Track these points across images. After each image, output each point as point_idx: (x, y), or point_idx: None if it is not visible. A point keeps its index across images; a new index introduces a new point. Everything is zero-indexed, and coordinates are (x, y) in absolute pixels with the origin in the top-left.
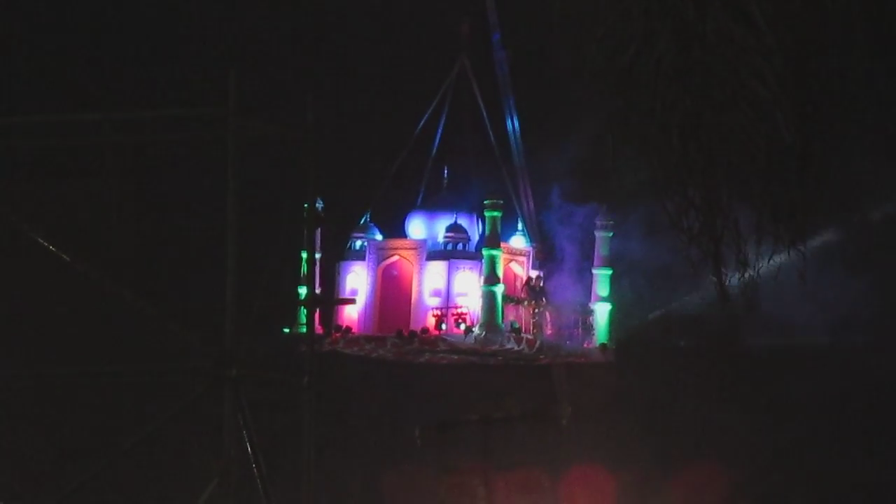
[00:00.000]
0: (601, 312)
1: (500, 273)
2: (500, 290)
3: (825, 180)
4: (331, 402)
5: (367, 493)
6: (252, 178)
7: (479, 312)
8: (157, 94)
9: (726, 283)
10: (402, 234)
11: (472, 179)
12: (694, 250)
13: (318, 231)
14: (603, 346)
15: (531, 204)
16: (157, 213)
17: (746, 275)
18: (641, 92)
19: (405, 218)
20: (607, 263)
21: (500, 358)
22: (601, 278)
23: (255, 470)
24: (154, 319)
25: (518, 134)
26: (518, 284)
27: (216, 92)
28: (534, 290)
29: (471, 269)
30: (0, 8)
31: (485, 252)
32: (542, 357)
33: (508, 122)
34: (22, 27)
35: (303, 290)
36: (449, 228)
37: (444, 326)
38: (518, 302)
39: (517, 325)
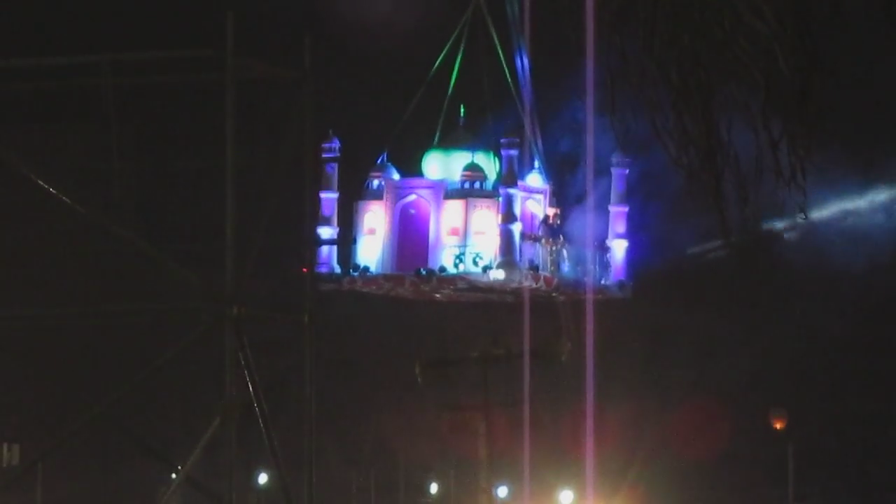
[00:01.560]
0: (618, 249)
1: (518, 212)
2: (517, 228)
3: (824, 114)
4: (334, 341)
5: (368, 430)
6: (253, 120)
7: (497, 251)
8: (155, 36)
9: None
10: (419, 173)
11: (488, 118)
12: (695, 186)
13: (336, 171)
14: (620, 282)
15: (540, 143)
16: (157, 155)
17: (747, 209)
18: (639, 29)
19: (421, 157)
20: (623, 200)
21: (516, 296)
22: (617, 215)
23: (256, 409)
24: (155, 260)
25: (528, 75)
26: (535, 222)
27: (216, 33)
28: (551, 228)
29: (488, 207)
30: None
31: (501, 191)
32: (556, 294)
33: (518, 63)
34: None
35: (326, 230)
36: (466, 167)
37: (461, 265)
38: (536, 240)
39: (536, 263)
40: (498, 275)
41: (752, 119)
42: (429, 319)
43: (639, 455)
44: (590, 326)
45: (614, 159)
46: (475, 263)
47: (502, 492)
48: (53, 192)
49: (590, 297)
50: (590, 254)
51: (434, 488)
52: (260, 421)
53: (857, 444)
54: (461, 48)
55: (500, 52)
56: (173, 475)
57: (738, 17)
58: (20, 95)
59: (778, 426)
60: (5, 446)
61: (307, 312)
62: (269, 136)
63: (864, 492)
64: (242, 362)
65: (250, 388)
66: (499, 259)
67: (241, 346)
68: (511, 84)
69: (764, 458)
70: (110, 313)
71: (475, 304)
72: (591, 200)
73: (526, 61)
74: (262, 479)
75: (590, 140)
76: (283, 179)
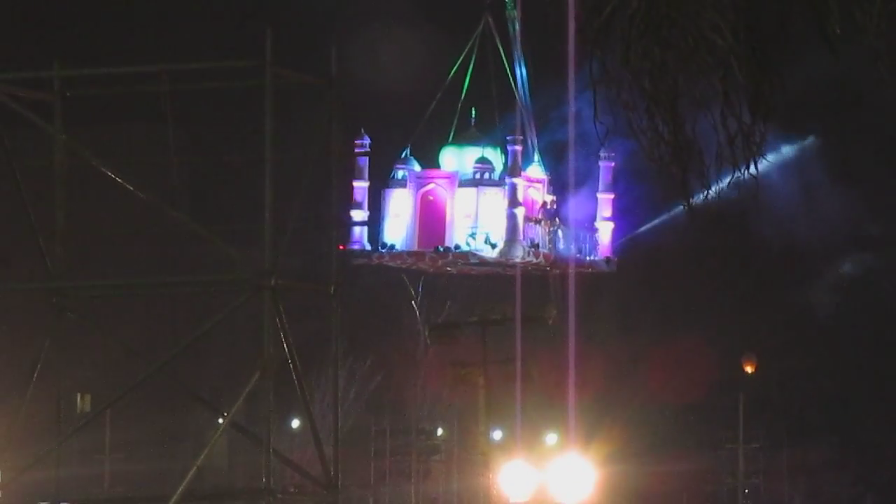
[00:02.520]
0: (605, 230)
1: (521, 198)
2: (520, 212)
3: (773, 114)
4: (358, 308)
5: (386, 383)
6: (288, 120)
7: (504, 231)
8: (205, 47)
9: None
10: (436, 165)
11: (495, 119)
12: (664, 177)
13: (367, 163)
14: (607, 258)
15: (535, 139)
16: (208, 150)
17: (709, 195)
18: (617, 44)
19: (439, 151)
20: (609, 189)
21: (517, 269)
22: (604, 201)
23: (290, 365)
24: (205, 239)
25: (525, 82)
26: (536, 207)
27: (253, 46)
28: (549, 212)
29: (495, 194)
30: None
31: (507, 180)
32: (550, 269)
33: (518, 73)
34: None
35: (358, 214)
36: (477, 161)
37: (473, 241)
38: (536, 222)
39: (536, 242)
40: (504, 251)
41: (712, 119)
42: (439, 288)
43: (615, 402)
44: (572, 295)
45: (602, 153)
46: (486, 242)
47: (497, 435)
48: (120, 181)
49: (572, 270)
50: (573, 233)
51: (440, 432)
52: (294, 375)
53: (795, 394)
54: (472, 58)
55: (505, 61)
56: (220, 420)
57: (700, 33)
58: (93, 99)
59: (749, 370)
60: (79, 396)
61: (333, 283)
62: (302, 133)
63: (801, 433)
64: (279, 325)
65: (285, 348)
66: (505, 238)
67: (278, 312)
68: (514, 89)
69: (719, 406)
70: (168, 283)
71: (479, 276)
72: (573, 189)
73: (524, 70)
74: (295, 423)
75: (571, 138)
76: (313, 171)
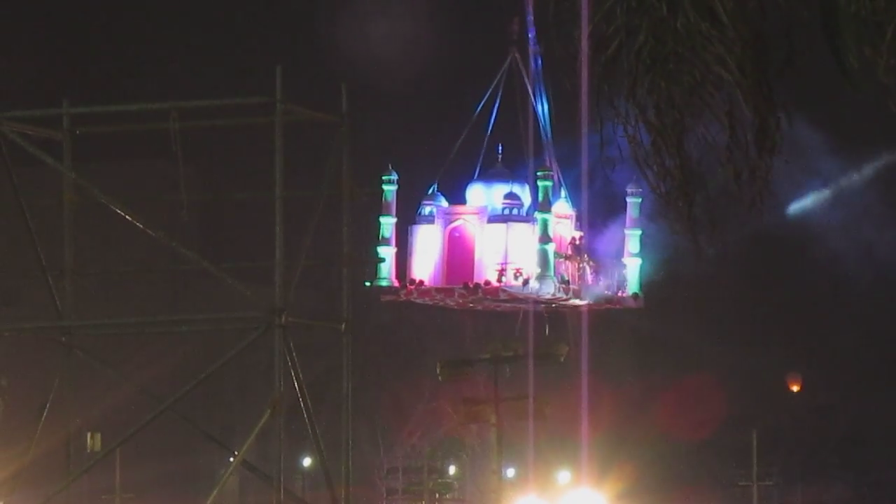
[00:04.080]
0: (632, 266)
1: (551, 233)
2: (551, 248)
3: (779, 148)
4: (371, 344)
5: (398, 420)
6: (299, 157)
7: (535, 267)
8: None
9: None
10: (462, 201)
11: (523, 155)
12: (671, 212)
13: (394, 199)
14: (635, 294)
15: (560, 175)
16: (218, 187)
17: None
18: (624, 79)
19: (464, 187)
20: (637, 224)
21: (549, 305)
22: (632, 237)
23: (301, 403)
24: (215, 277)
25: (547, 117)
26: (564, 243)
27: (263, 82)
28: (577, 248)
29: (525, 230)
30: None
31: (538, 216)
32: (580, 304)
33: (539, 107)
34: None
35: (384, 250)
36: (506, 196)
37: (504, 279)
38: (566, 258)
39: (566, 278)
40: (536, 287)
41: (718, 154)
42: (452, 325)
43: (628, 438)
44: (584, 332)
45: (629, 189)
46: (516, 278)
47: (510, 472)
48: (129, 218)
49: (584, 306)
50: (602, 269)
51: (452, 469)
52: (304, 413)
53: (810, 432)
54: (498, 95)
55: (531, 98)
56: (231, 459)
57: (706, 67)
58: (103, 137)
59: (795, 388)
60: (89, 434)
61: (344, 321)
62: (314, 170)
63: (816, 471)
64: (289, 363)
65: (296, 385)
66: (537, 274)
67: (288, 350)
68: (538, 125)
69: (732, 443)
70: (178, 321)
71: (495, 313)
72: (585, 220)
73: (545, 106)
74: (307, 462)
75: (584, 173)
76: (324, 208)
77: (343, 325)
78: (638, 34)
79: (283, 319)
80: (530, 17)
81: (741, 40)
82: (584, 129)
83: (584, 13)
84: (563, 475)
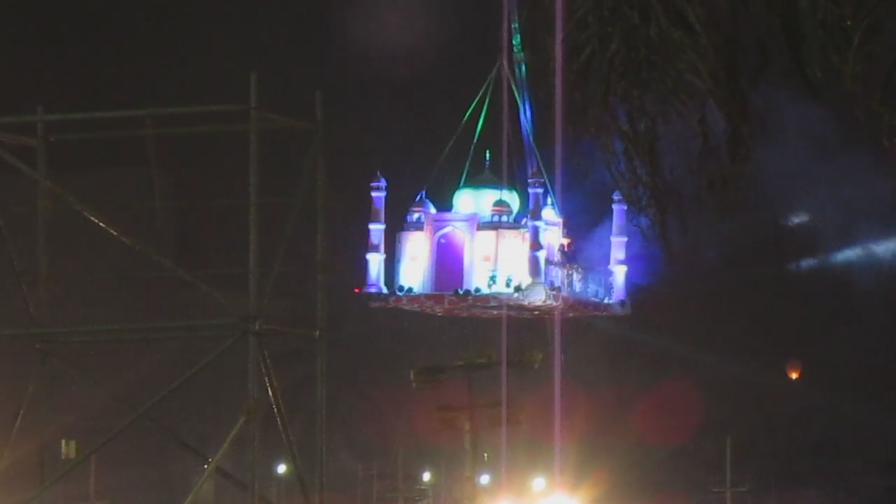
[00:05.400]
0: (619, 273)
1: (543, 241)
2: (542, 255)
3: (751, 157)
4: (345, 352)
5: (373, 427)
6: (274, 164)
7: (526, 274)
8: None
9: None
10: (449, 208)
11: (512, 162)
12: (644, 220)
13: (383, 205)
14: (622, 301)
15: (548, 182)
16: (193, 195)
17: (687, 239)
18: (597, 87)
19: (452, 194)
20: (623, 232)
21: (535, 312)
22: (618, 244)
23: (275, 410)
24: (190, 284)
25: (530, 125)
26: (553, 250)
27: (238, 90)
28: (566, 255)
29: (515, 236)
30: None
31: (529, 223)
32: (566, 310)
33: (522, 116)
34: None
35: (374, 256)
36: (495, 203)
37: (493, 285)
38: (555, 265)
39: (557, 285)
40: (527, 294)
41: (691, 161)
42: (429, 332)
43: (603, 445)
44: (559, 338)
45: (615, 197)
46: (508, 285)
47: (484, 479)
48: (104, 226)
49: (558, 314)
50: (589, 276)
51: (427, 476)
52: (278, 420)
53: (784, 439)
54: (486, 102)
55: (519, 105)
56: (205, 466)
57: (678, 75)
58: (77, 144)
59: (794, 376)
60: (63, 441)
61: (319, 328)
62: (291, 177)
63: (790, 478)
64: (263, 370)
65: (269, 392)
66: (528, 281)
67: (263, 357)
68: (522, 132)
69: (706, 449)
70: (152, 329)
71: (468, 320)
72: (595, 233)
73: (529, 114)
74: (281, 469)
75: (559, 179)
76: (299, 215)
77: (318, 333)
78: (610, 42)
79: (258, 326)
80: (514, 25)
81: (714, 48)
82: (559, 137)
83: (559, 21)
84: (538, 482)
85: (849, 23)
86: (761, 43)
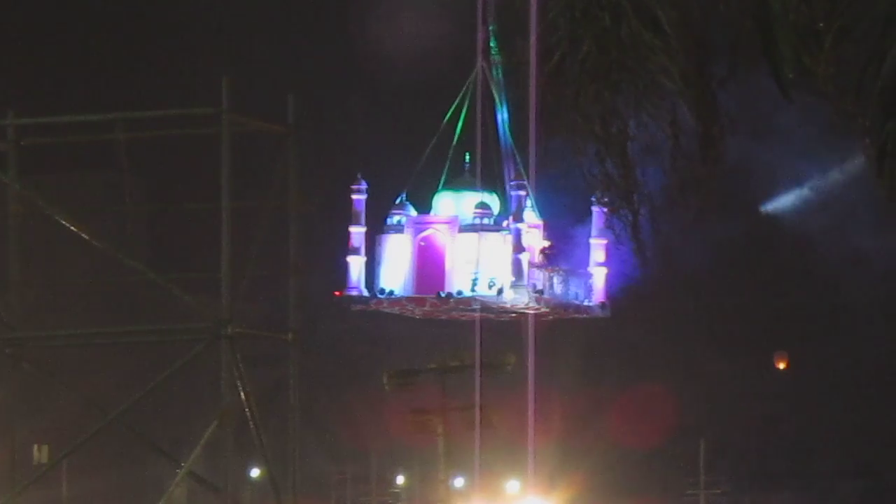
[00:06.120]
0: (599, 275)
1: (525, 243)
2: (525, 257)
3: (723, 158)
4: (319, 356)
5: (347, 430)
6: (247, 168)
7: (509, 277)
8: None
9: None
10: (428, 210)
11: (494, 163)
12: (616, 221)
13: (363, 208)
14: (602, 304)
15: (512, 183)
16: (165, 198)
17: (660, 240)
18: (568, 88)
19: (431, 197)
20: (602, 234)
21: (512, 315)
22: (597, 246)
23: (248, 414)
24: (162, 288)
25: (507, 127)
26: (535, 252)
27: (211, 92)
28: (547, 258)
29: (496, 239)
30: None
31: (511, 225)
32: (547, 312)
33: (499, 118)
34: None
35: (354, 259)
36: (477, 206)
37: (476, 288)
38: (538, 267)
39: (540, 288)
40: (510, 297)
41: (662, 163)
42: (403, 335)
43: (577, 448)
44: (532, 340)
45: (594, 198)
46: (491, 287)
47: (458, 482)
48: (76, 230)
49: (532, 317)
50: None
51: (400, 479)
52: (252, 423)
53: (758, 440)
54: (466, 104)
55: (498, 107)
56: (178, 470)
57: (650, 77)
58: (49, 148)
59: (781, 366)
60: (36, 447)
61: (291, 332)
62: (262, 180)
63: (764, 480)
64: (236, 374)
65: (242, 396)
66: (511, 283)
67: (235, 360)
68: (509, 134)
69: (681, 452)
70: (124, 333)
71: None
72: (576, 235)
73: (506, 116)
74: (255, 473)
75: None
76: (273, 219)
77: (290, 336)
78: (582, 44)
79: (230, 330)
80: (491, 28)
81: (684, 50)
82: (533, 139)
83: (532, 23)
84: (512, 484)
85: (821, 25)
86: (732, 45)
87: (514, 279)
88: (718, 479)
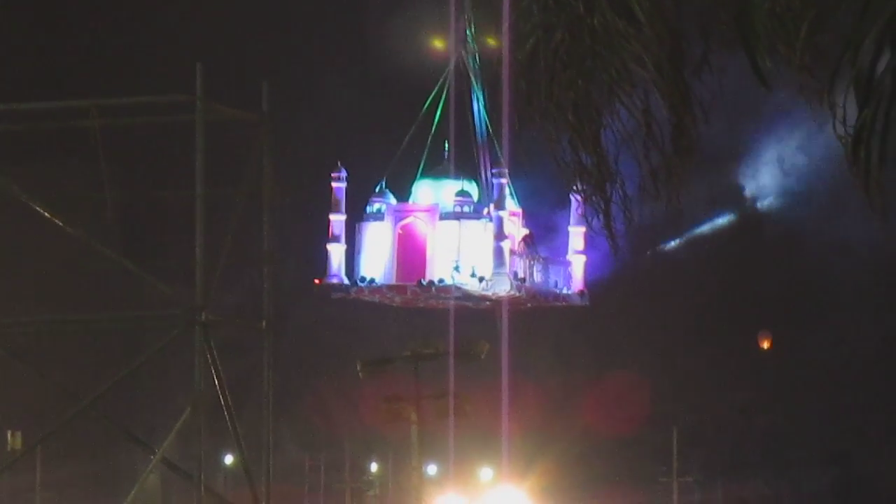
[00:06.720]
0: (577, 263)
1: (507, 231)
2: (506, 245)
3: (695, 147)
4: (293, 344)
5: (320, 418)
6: (222, 156)
7: (490, 264)
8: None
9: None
10: (407, 198)
11: (469, 152)
12: (589, 210)
13: (343, 196)
14: (581, 292)
15: (489, 172)
16: (139, 186)
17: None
18: (541, 77)
19: (410, 184)
20: (580, 222)
21: (489, 303)
22: (575, 234)
23: (222, 401)
24: (136, 275)
25: (483, 117)
26: (515, 240)
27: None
28: (528, 246)
29: (477, 227)
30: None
31: (493, 213)
32: (527, 300)
33: (475, 108)
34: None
35: (335, 247)
36: (458, 193)
37: (456, 276)
38: (519, 255)
39: (521, 276)
40: (492, 284)
41: (635, 152)
42: (378, 323)
43: (550, 436)
44: (505, 328)
45: (575, 186)
46: (472, 275)
47: (432, 470)
48: (49, 216)
49: (505, 304)
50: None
51: (374, 467)
52: (225, 411)
53: (731, 430)
54: (444, 94)
55: (475, 95)
56: (152, 457)
57: (623, 65)
58: (22, 135)
59: (766, 345)
60: (9, 433)
61: (265, 319)
62: (235, 168)
63: (737, 468)
64: (210, 361)
65: (216, 383)
66: (493, 271)
67: (209, 348)
68: (482, 123)
69: (654, 440)
70: (100, 320)
71: (416, 311)
72: (555, 223)
73: (481, 105)
74: (228, 460)
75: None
76: (248, 207)
77: (264, 324)
78: (555, 32)
79: (204, 317)
80: (467, 17)
81: (658, 38)
82: (507, 127)
83: (506, 11)
84: (486, 472)
85: (797, 13)
86: (706, 33)
87: (495, 267)
88: (690, 468)
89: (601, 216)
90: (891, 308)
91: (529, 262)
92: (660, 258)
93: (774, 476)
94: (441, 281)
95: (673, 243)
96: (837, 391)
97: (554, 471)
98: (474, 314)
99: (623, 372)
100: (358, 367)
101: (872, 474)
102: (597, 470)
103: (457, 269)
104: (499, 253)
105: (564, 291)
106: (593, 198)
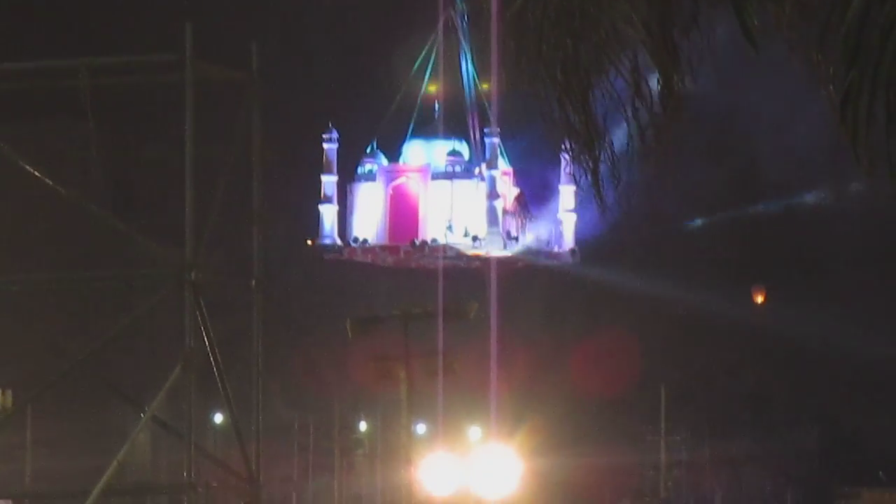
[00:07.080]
0: (568, 221)
1: (500, 190)
2: (499, 204)
3: (683, 106)
4: (283, 303)
5: (310, 377)
6: (212, 115)
7: (482, 223)
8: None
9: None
10: (397, 158)
11: (466, 111)
12: (577, 168)
13: (335, 157)
14: (572, 250)
15: (478, 133)
16: (129, 146)
17: (620, 185)
18: (530, 35)
19: (400, 145)
20: (570, 181)
21: (478, 262)
22: (566, 193)
23: (211, 360)
24: (126, 234)
25: (473, 76)
26: (507, 199)
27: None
28: (520, 205)
29: (469, 186)
30: None
31: (486, 172)
32: (520, 259)
33: (463, 68)
34: None
35: (327, 208)
36: (449, 153)
37: (449, 235)
38: (511, 214)
39: (514, 235)
40: (486, 243)
41: (623, 111)
42: (367, 283)
43: (539, 395)
44: (494, 288)
45: (563, 145)
46: (466, 235)
47: (420, 429)
48: (39, 175)
49: (494, 263)
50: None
51: (363, 426)
52: (215, 369)
53: (718, 389)
54: (433, 54)
55: (467, 54)
56: (142, 416)
57: (612, 25)
58: (10, 94)
59: (759, 300)
60: (0, 391)
61: (255, 278)
62: (225, 128)
63: (724, 427)
64: (200, 320)
65: (206, 342)
66: (486, 230)
67: (199, 306)
68: (472, 82)
69: (642, 399)
70: (89, 278)
71: (452, 266)
72: (546, 182)
73: (470, 65)
74: (218, 418)
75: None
76: (236, 166)
77: (253, 283)
78: None
79: (193, 276)
80: None
81: None
82: (495, 86)
83: None
84: (474, 431)
85: None
86: None
87: (488, 226)
88: (678, 426)
89: (589, 175)
90: (881, 268)
91: (521, 221)
92: (654, 218)
93: (761, 436)
94: (434, 241)
95: (666, 203)
96: (827, 350)
97: (543, 429)
98: (462, 273)
99: (611, 330)
100: (347, 327)
101: (858, 433)
102: (585, 428)
103: (450, 228)
104: (492, 212)
105: (556, 249)
106: (582, 156)
